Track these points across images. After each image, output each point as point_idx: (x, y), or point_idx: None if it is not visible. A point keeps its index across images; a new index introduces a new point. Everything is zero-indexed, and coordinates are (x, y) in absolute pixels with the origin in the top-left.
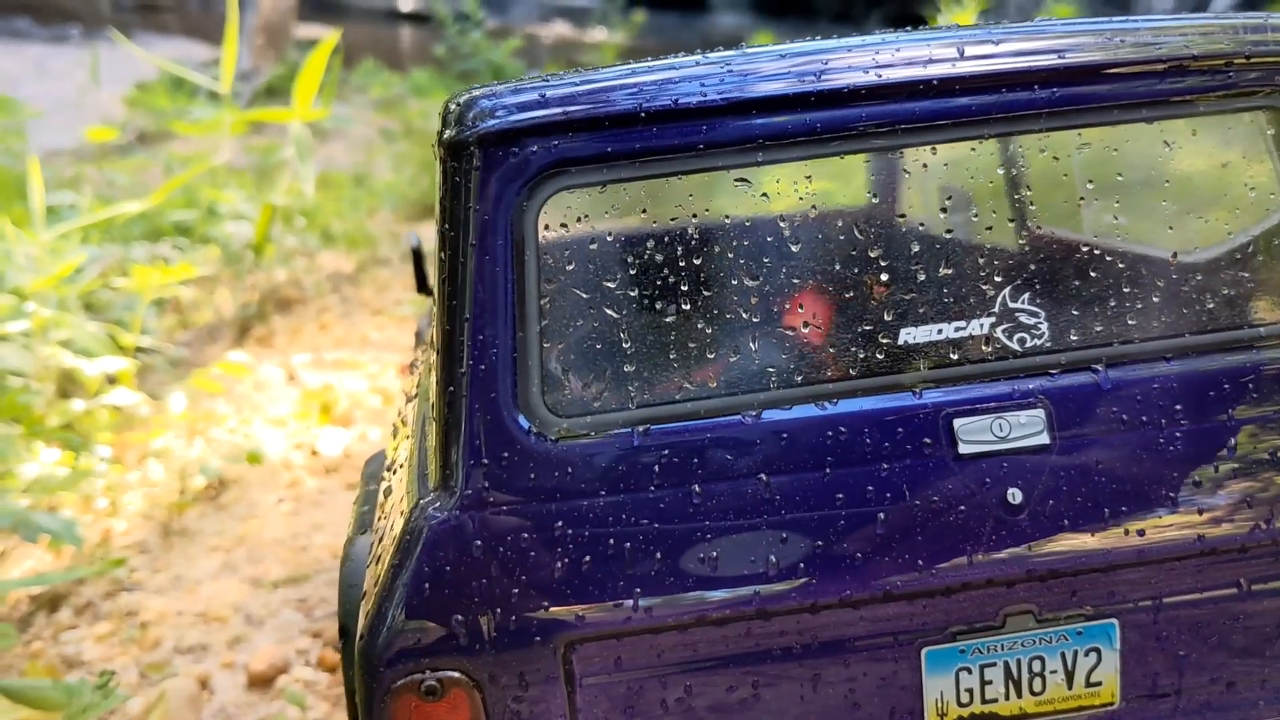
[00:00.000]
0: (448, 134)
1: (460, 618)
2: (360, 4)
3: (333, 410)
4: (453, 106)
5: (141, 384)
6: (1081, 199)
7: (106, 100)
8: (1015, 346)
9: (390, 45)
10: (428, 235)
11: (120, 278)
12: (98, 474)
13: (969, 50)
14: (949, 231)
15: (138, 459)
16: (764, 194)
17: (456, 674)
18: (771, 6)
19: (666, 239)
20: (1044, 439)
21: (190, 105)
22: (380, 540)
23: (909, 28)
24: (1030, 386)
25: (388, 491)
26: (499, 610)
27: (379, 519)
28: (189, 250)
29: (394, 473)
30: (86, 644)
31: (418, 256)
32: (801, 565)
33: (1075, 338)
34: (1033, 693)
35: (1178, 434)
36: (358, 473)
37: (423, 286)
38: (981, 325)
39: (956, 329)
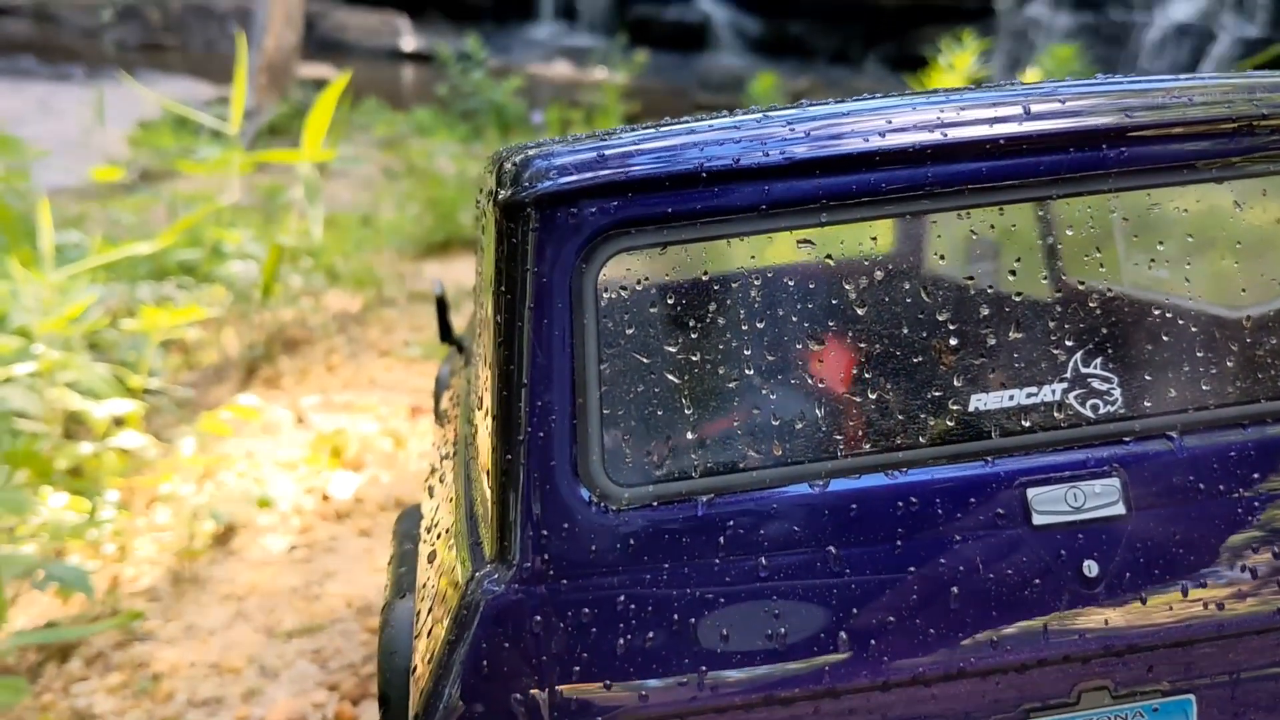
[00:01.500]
0: (503, 194)
1: (519, 697)
2: (363, 43)
3: (343, 454)
4: (507, 165)
5: (148, 426)
6: (1152, 261)
7: (110, 139)
8: (1088, 413)
9: (392, 84)
10: (439, 274)
11: (126, 318)
12: (105, 519)
13: (1035, 108)
14: (1018, 294)
15: (146, 503)
16: (828, 255)
17: None
18: (770, 46)
19: (728, 301)
20: (1119, 509)
21: (194, 144)
22: (429, 610)
23: (972, 86)
24: (1104, 455)
25: (431, 556)
26: (559, 689)
27: (423, 584)
28: (194, 290)
29: (436, 535)
30: (98, 696)
31: (441, 305)
32: (872, 641)
33: (1149, 404)
34: None
35: (1256, 503)
36: (370, 519)
37: (446, 336)
38: (1053, 391)
39: (1028, 395)
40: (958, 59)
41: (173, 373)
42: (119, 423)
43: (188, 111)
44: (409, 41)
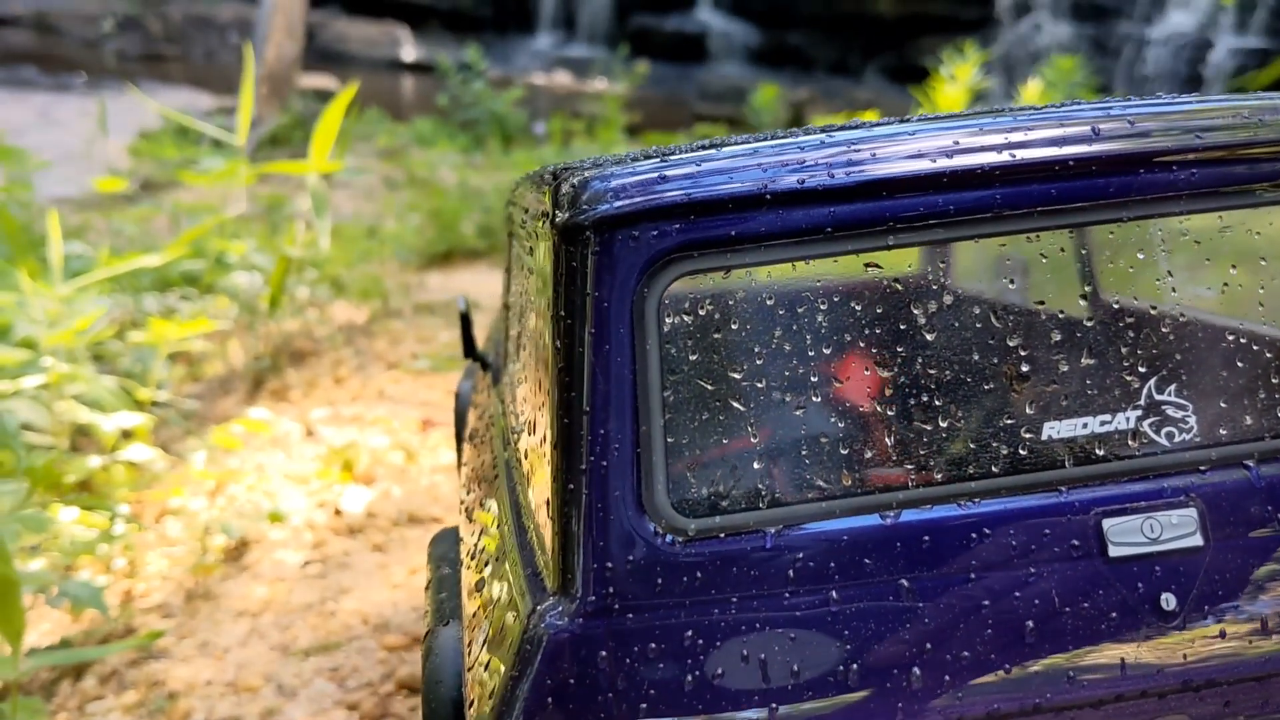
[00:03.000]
0: (560, 217)
1: None
2: (363, 54)
3: (354, 468)
4: (565, 187)
5: (156, 439)
6: (1225, 285)
7: (111, 149)
8: (1163, 441)
9: (393, 94)
10: (442, 284)
11: (132, 330)
12: (116, 534)
13: (1103, 128)
14: (1089, 320)
15: (155, 517)
16: (896, 280)
17: None
18: (770, 57)
19: (794, 327)
20: (1197, 540)
21: (196, 155)
22: (484, 643)
23: (1022, 107)
24: (1180, 484)
25: (480, 585)
26: None
27: (473, 615)
28: (198, 302)
29: (484, 564)
30: (114, 715)
31: (465, 321)
32: (946, 678)
33: (1225, 432)
34: None
35: None
36: (383, 534)
37: (470, 351)
38: (1128, 419)
39: (1102, 423)
40: (959, 70)
41: (178, 384)
42: (127, 435)
43: (190, 122)
44: (409, 52)
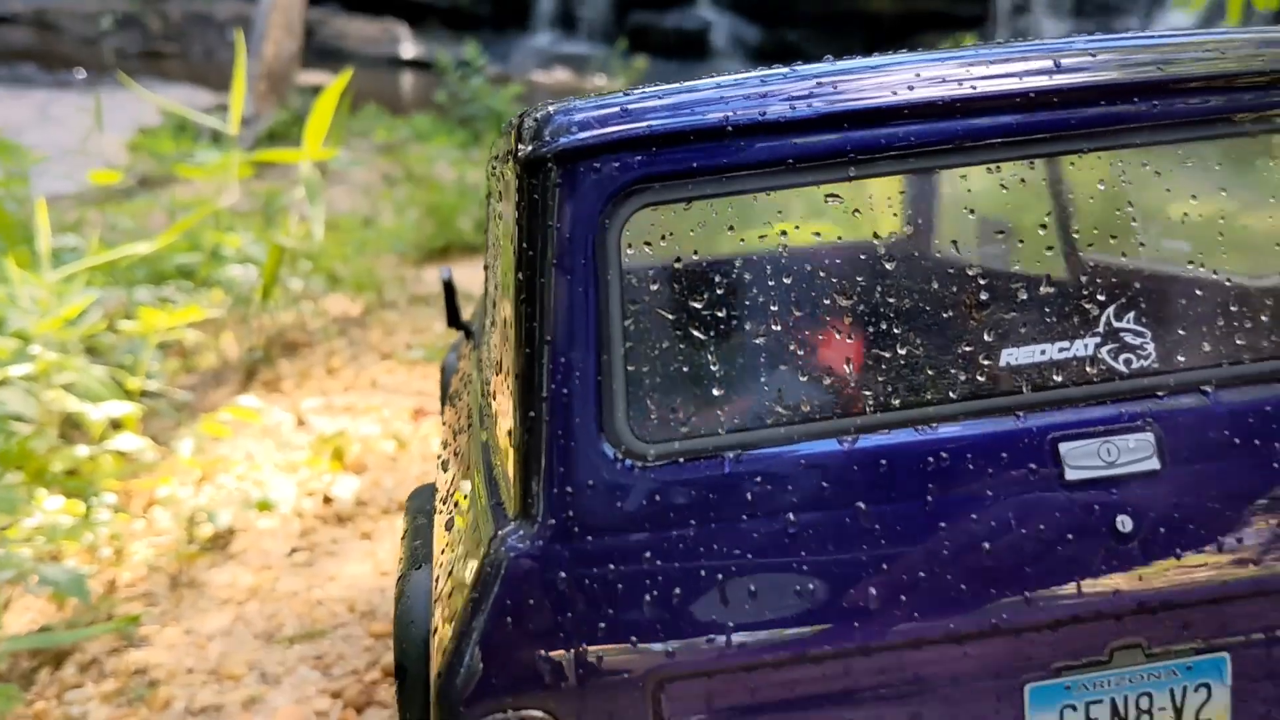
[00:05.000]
0: (523, 150)
1: (544, 654)
2: (362, 50)
3: (345, 456)
4: (529, 122)
5: (146, 429)
6: (1186, 215)
7: (109, 145)
8: (1121, 368)
9: (391, 91)
10: (432, 277)
11: (124, 320)
12: (102, 522)
13: (1065, 62)
14: (1049, 249)
15: (143, 506)
16: (856, 210)
17: (539, 713)
18: (769, 54)
19: (755, 257)
20: (1154, 464)
21: (194, 149)
22: (449, 574)
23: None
24: (1138, 409)
25: (449, 524)
26: (584, 646)
27: (442, 551)
28: (192, 294)
29: (454, 504)
30: (93, 704)
31: (449, 290)
32: (902, 599)
33: (1183, 359)
34: None
35: None
36: (372, 522)
37: (454, 320)
38: (1086, 346)
39: (1060, 350)
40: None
41: (171, 376)
42: (116, 425)
43: (187, 112)
44: (408, 49)
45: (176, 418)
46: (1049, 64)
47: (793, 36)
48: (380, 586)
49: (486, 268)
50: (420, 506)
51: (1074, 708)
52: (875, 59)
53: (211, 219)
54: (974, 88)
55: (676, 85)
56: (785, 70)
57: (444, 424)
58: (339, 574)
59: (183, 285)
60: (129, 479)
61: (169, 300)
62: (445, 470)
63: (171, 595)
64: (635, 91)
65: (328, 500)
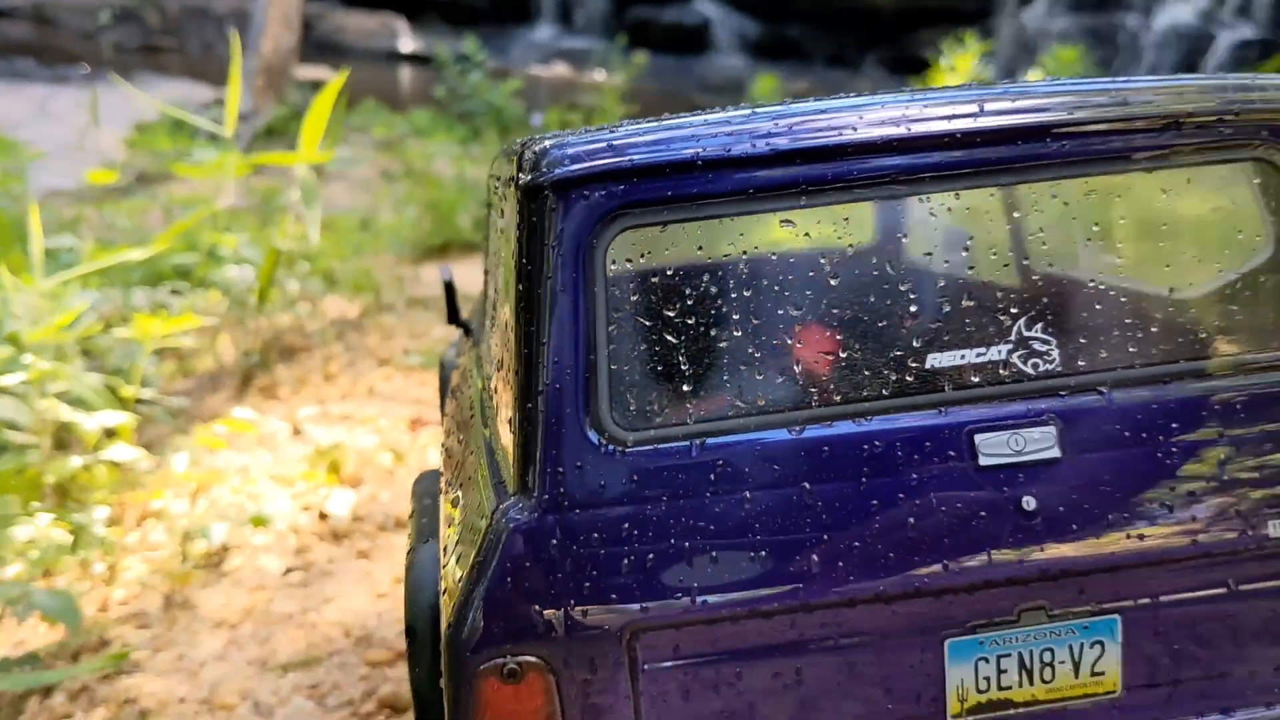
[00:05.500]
0: (524, 178)
1: (538, 609)
2: (360, 45)
3: (341, 470)
4: (528, 154)
5: (141, 436)
6: (1089, 240)
7: (107, 141)
8: (1029, 371)
9: (390, 86)
10: (430, 276)
11: (121, 323)
12: (95, 538)
13: (988, 106)
14: (970, 268)
15: (137, 520)
16: (807, 233)
17: (534, 659)
18: (768, 49)
19: (720, 273)
20: (1055, 453)
21: (191, 146)
22: (456, 542)
23: (926, 86)
24: (1042, 406)
25: (455, 501)
26: (572, 602)
27: (449, 525)
28: (189, 295)
29: (459, 485)
30: None
31: (450, 290)
32: (840, 564)
33: (1082, 363)
34: (1043, 681)
35: (1174, 449)
36: (369, 540)
37: (454, 318)
38: (1000, 351)
39: (978, 355)
40: (959, 60)
41: (167, 380)
42: (110, 434)
43: (184, 115)
44: (407, 43)
45: (172, 424)
46: (974, 108)
47: (792, 32)
48: (377, 610)
49: (486, 272)
50: (426, 490)
51: (986, 660)
52: (825, 102)
53: (209, 219)
54: (908, 129)
55: (655, 123)
56: (748, 112)
57: (446, 415)
58: (335, 596)
59: (179, 286)
60: (123, 491)
61: (165, 306)
62: (450, 456)
63: (164, 616)
64: (619, 128)
65: (323, 516)
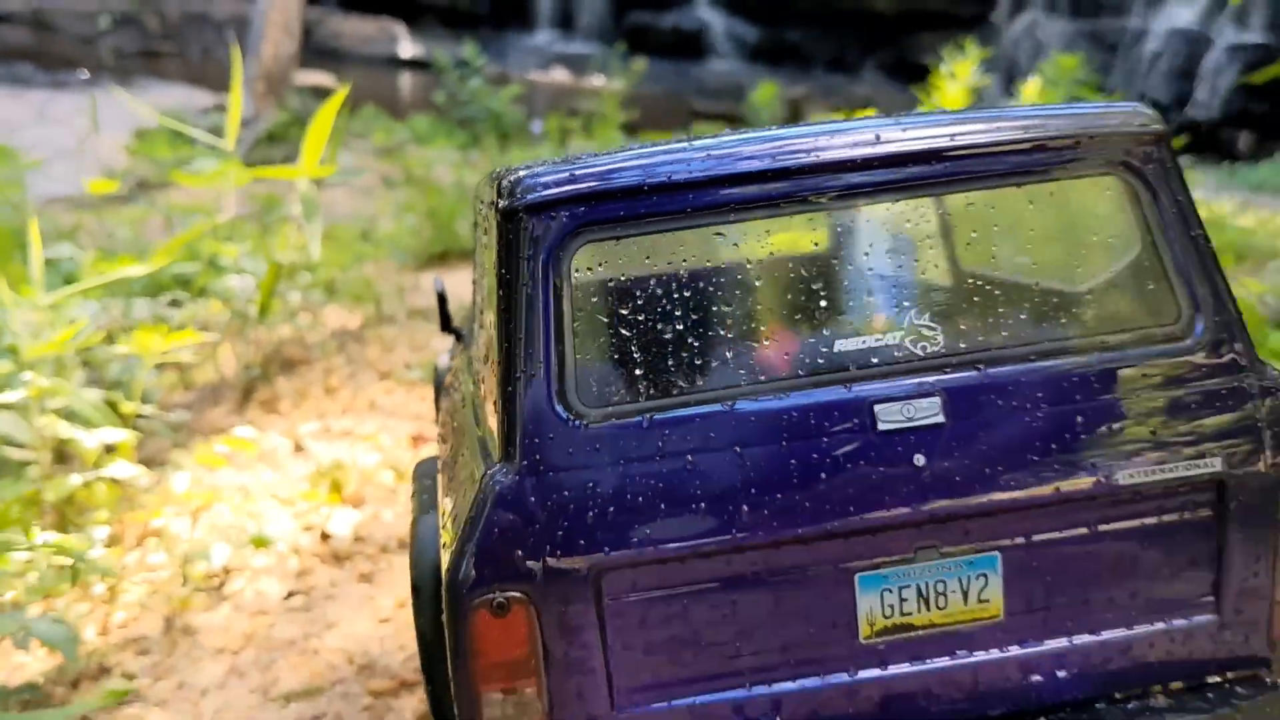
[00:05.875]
0: (502, 203)
1: (520, 553)
2: (360, 50)
3: (343, 489)
4: (505, 182)
5: (141, 450)
6: (969, 244)
7: (107, 147)
8: (919, 353)
9: (390, 91)
10: (431, 283)
11: (122, 333)
12: (94, 561)
13: (884, 135)
14: (870, 270)
15: (137, 539)
16: (735, 244)
17: (518, 595)
18: (768, 54)
19: (665, 277)
20: (940, 419)
21: (191, 153)
22: (453, 505)
23: (846, 119)
24: (930, 381)
25: (452, 476)
26: (548, 547)
27: (446, 495)
28: (190, 305)
29: (454, 462)
30: None
31: (442, 300)
32: (766, 513)
33: (963, 345)
34: (938, 608)
35: (1040, 414)
36: (371, 562)
37: (446, 326)
38: (894, 338)
39: (877, 340)
40: (958, 67)
41: (167, 391)
42: (110, 450)
43: (182, 127)
44: (406, 48)
45: (172, 438)
46: (871, 136)
47: (792, 36)
48: (379, 635)
49: (474, 283)
50: (425, 472)
51: (890, 591)
52: (750, 134)
53: (209, 229)
54: (817, 157)
55: (609, 154)
56: (686, 145)
57: (441, 410)
58: (337, 621)
59: (179, 297)
60: (124, 509)
61: (165, 318)
62: (445, 442)
63: (164, 641)
64: (581, 160)
65: (325, 537)
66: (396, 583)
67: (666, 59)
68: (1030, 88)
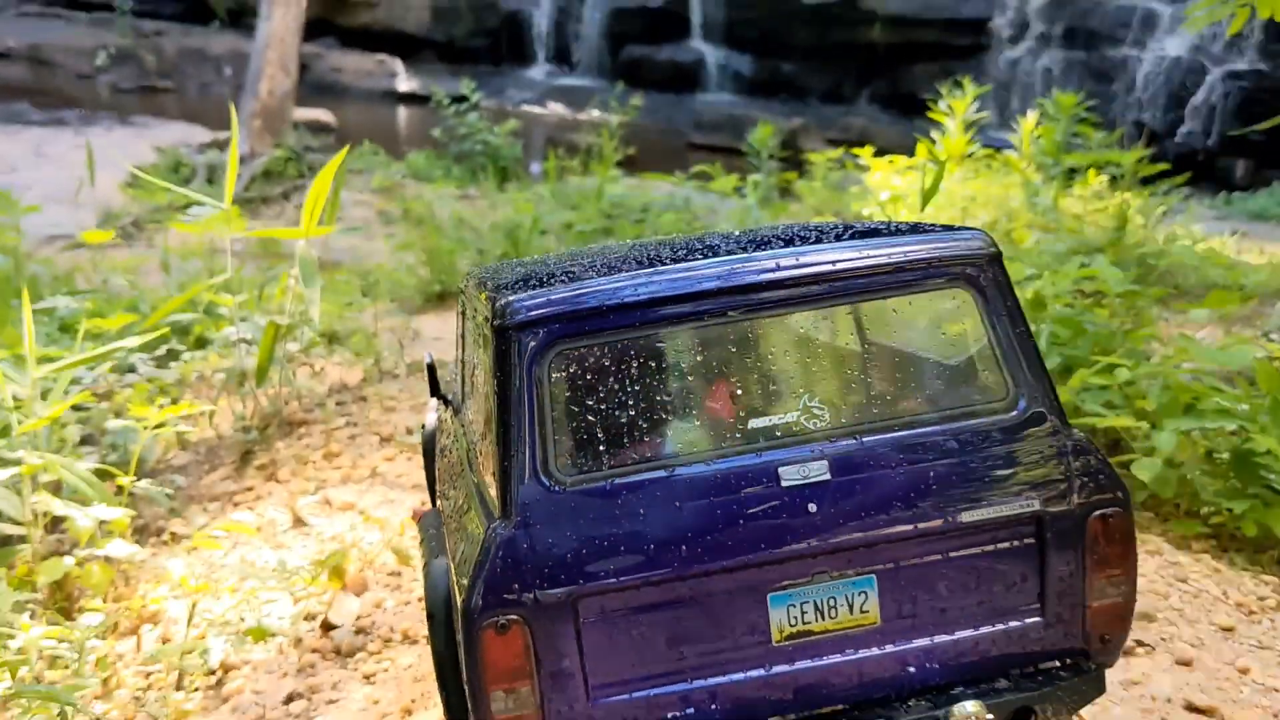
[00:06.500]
0: (496, 322)
1: (517, 587)
2: (357, 85)
3: (344, 575)
4: (498, 305)
5: (137, 515)
6: (846, 343)
7: (104, 186)
8: (811, 427)
9: (388, 125)
10: (436, 329)
11: (119, 386)
12: (89, 647)
13: (783, 263)
14: (774, 366)
15: (133, 625)
16: (674, 348)
17: (516, 617)
18: (763, 86)
19: (620, 374)
20: (827, 476)
21: (187, 188)
22: (462, 551)
23: (762, 242)
24: (819, 449)
25: (459, 527)
26: (538, 582)
27: (455, 543)
28: (188, 355)
29: (458, 517)
30: None
31: (431, 370)
32: (699, 551)
33: (845, 420)
34: (830, 618)
35: (903, 470)
36: (374, 659)
37: (435, 391)
38: (793, 415)
39: (779, 418)
40: (957, 104)
41: (163, 452)
42: (104, 524)
43: (178, 190)
44: (404, 83)
45: (168, 505)
46: (774, 264)
47: (787, 68)
48: None
49: (460, 358)
50: (430, 524)
51: (794, 606)
52: (690, 265)
53: (207, 270)
54: (732, 282)
55: (581, 282)
56: (636, 272)
57: (438, 469)
58: None
59: (177, 348)
60: (118, 589)
61: (160, 377)
62: (447, 499)
63: None
64: (555, 286)
65: (326, 627)
66: (402, 683)
67: (662, 92)
68: (1028, 124)
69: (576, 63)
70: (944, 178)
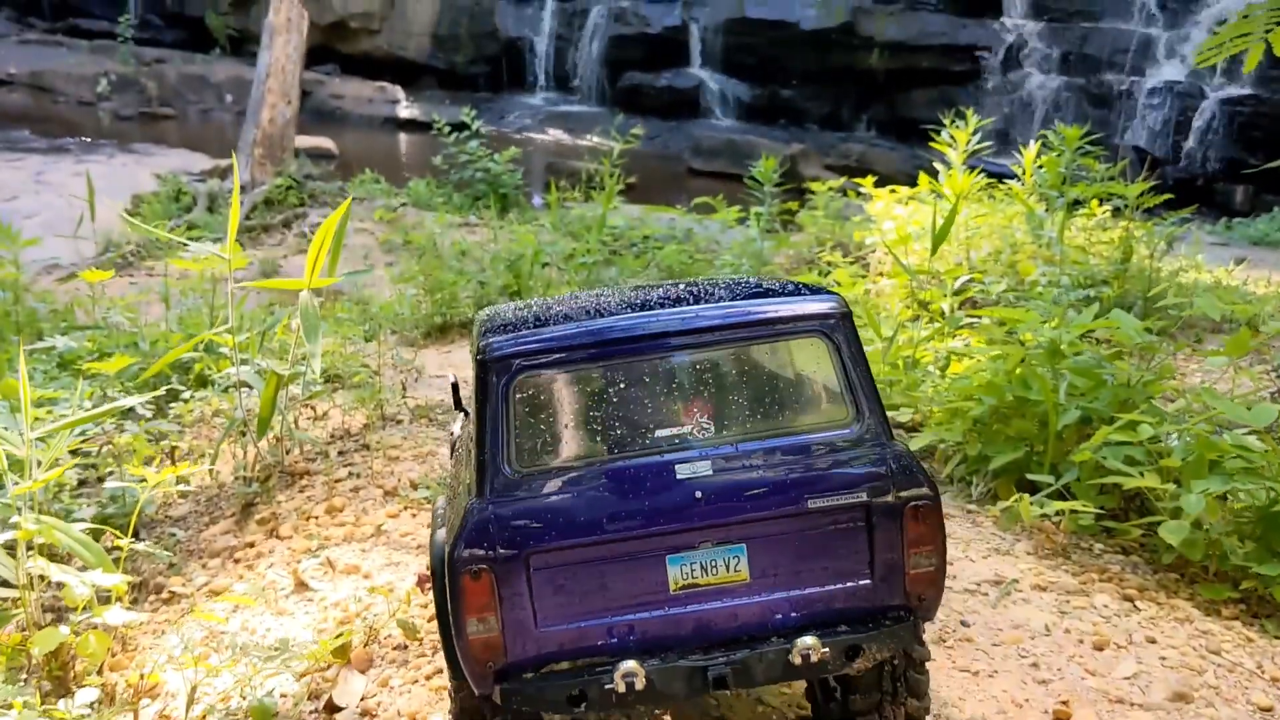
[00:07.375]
0: (479, 357)
1: (486, 544)
2: (358, 112)
3: (349, 650)
4: (481, 343)
5: (135, 572)
6: (727, 377)
7: (104, 213)
8: (699, 437)
9: (388, 151)
10: (439, 362)
11: (118, 432)
12: None
13: (684, 317)
14: (677, 392)
15: (131, 699)
16: (613, 377)
17: (485, 567)
18: (762, 112)
19: (566, 394)
20: (710, 472)
21: (187, 216)
22: (452, 519)
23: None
24: (706, 452)
25: (454, 508)
26: (501, 541)
27: (450, 517)
28: (188, 393)
29: (454, 500)
30: None
31: (455, 388)
32: (620, 522)
33: (725, 433)
34: (712, 575)
35: (768, 470)
36: None
37: (459, 405)
38: (689, 428)
39: (679, 430)
40: (959, 135)
41: (162, 503)
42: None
43: (172, 238)
44: (404, 110)
45: (167, 558)
46: (678, 319)
47: (786, 94)
48: None
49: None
50: (439, 508)
51: (686, 565)
52: (629, 316)
53: (208, 305)
54: (651, 329)
55: (546, 328)
56: (580, 322)
57: (452, 462)
58: None
59: (177, 387)
60: (116, 657)
61: (157, 427)
62: (451, 489)
63: None
64: (525, 330)
65: (331, 709)
66: None
67: (662, 118)
68: (1029, 155)
69: (576, 89)
70: (953, 218)
